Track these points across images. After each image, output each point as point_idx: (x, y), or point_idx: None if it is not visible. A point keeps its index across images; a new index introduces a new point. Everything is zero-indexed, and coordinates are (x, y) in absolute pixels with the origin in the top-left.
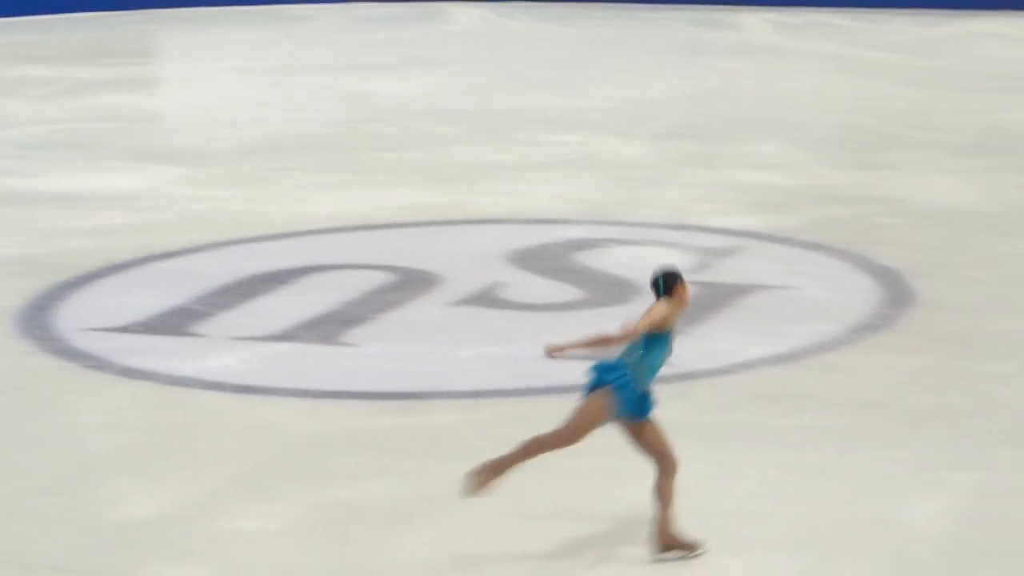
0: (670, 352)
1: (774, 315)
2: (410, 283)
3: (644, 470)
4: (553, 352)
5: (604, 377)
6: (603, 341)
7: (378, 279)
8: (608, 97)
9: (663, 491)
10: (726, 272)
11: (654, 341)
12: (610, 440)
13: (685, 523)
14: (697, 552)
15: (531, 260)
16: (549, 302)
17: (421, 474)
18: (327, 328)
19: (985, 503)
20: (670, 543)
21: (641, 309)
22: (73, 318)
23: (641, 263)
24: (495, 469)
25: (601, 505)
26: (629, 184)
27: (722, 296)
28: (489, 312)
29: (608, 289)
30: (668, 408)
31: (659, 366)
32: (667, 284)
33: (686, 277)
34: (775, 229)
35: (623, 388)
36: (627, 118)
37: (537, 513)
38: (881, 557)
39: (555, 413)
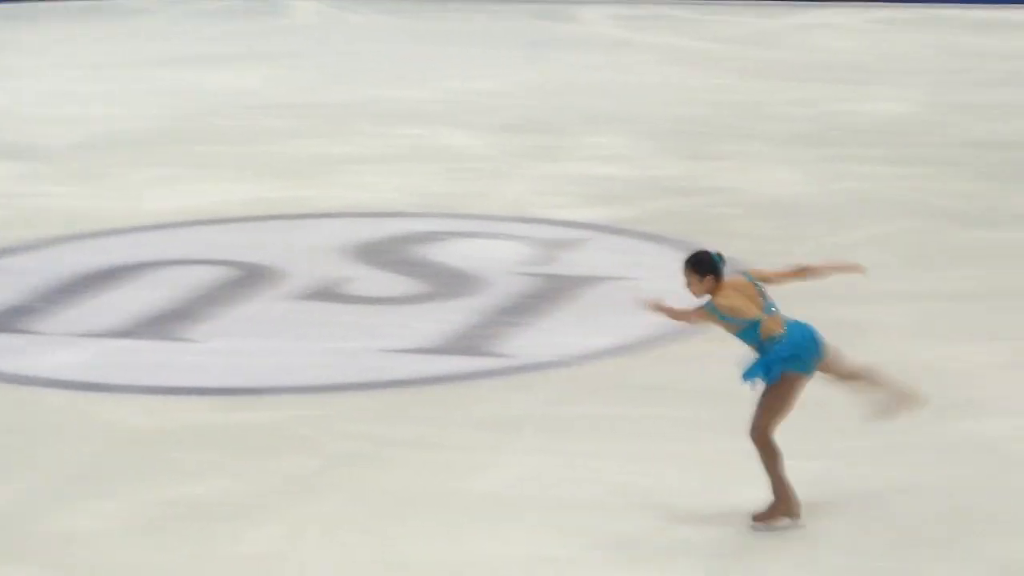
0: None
1: (615, 306)
2: (251, 278)
3: (487, 462)
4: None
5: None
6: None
7: (219, 274)
8: (449, 90)
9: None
10: (568, 264)
11: (747, 330)
12: (453, 433)
13: (526, 515)
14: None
15: (373, 254)
16: (391, 295)
17: (263, 469)
18: (168, 324)
19: (828, 492)
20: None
21: (483, 303)
22: None
23: (483, 255)
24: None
25: (447, 497)
26: (471, 177)
27: (564, 288)
28: (331, 306)
29: (450, 282)
30: (510, 401)
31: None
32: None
33: (528, 270)
34: (615, 221)
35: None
36: (468, 111)
37: (381, 505)
38: (715, 543)
39: (397, 406)
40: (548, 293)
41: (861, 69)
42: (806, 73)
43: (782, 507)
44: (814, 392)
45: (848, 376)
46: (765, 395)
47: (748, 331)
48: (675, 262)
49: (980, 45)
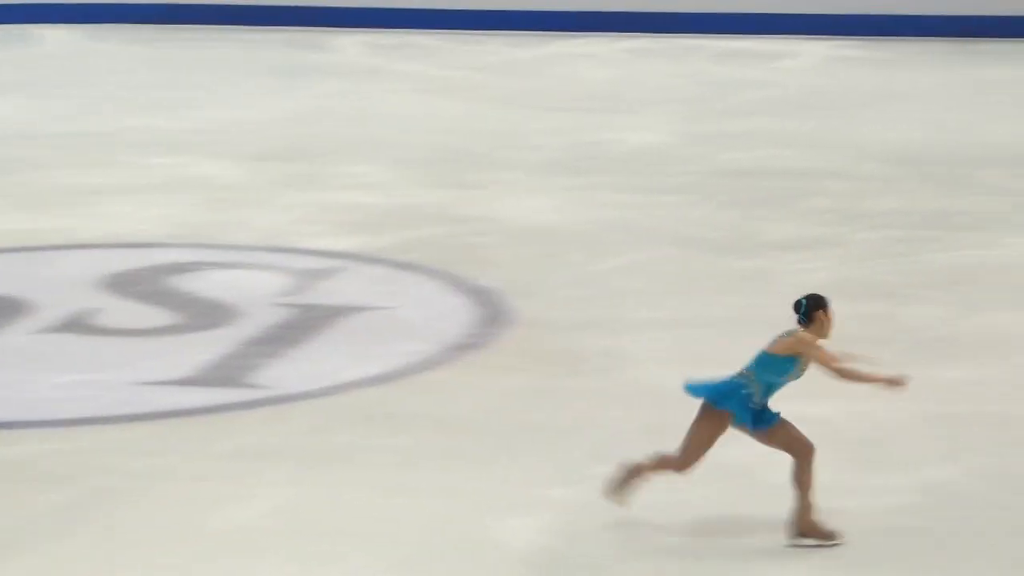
0: (797, 374)
1: (372, 336)
2: (1, 310)
3: (243, 494)
4: None
5: (721, 402)
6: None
7: None
8: (203, 119)
9: (800, 480)
10: (324, 294)
11: (779, 363)
12: (208, 465)
13: (281, 546)
14: (835, 542)
15: (125, 285)
16: (145, 327)
17: (17, 504)
18: None
19: (583, 518)
20: (808, 530)
21: (239, 333)
22: None
23: (239, 286)
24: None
25: (200, 529)
26: (226, 206)
27: (320, 318)
28: (80, 339)
29: (204, 313)
30: (267, 432)
31: (781, 385)
32: (809, 310)
33: (285, 300)
34: (371, 250)
35: (741, 410)
36: (223, 140)
37: (134, 539)
38: (477, 575)
39: (151, 439)
40: (305, 323)
41: (613, 98)
42: (559, 102)
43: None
44: (560, 420)
45: (783, 449)
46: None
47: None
48: (433, 292)
49: (727, 75)
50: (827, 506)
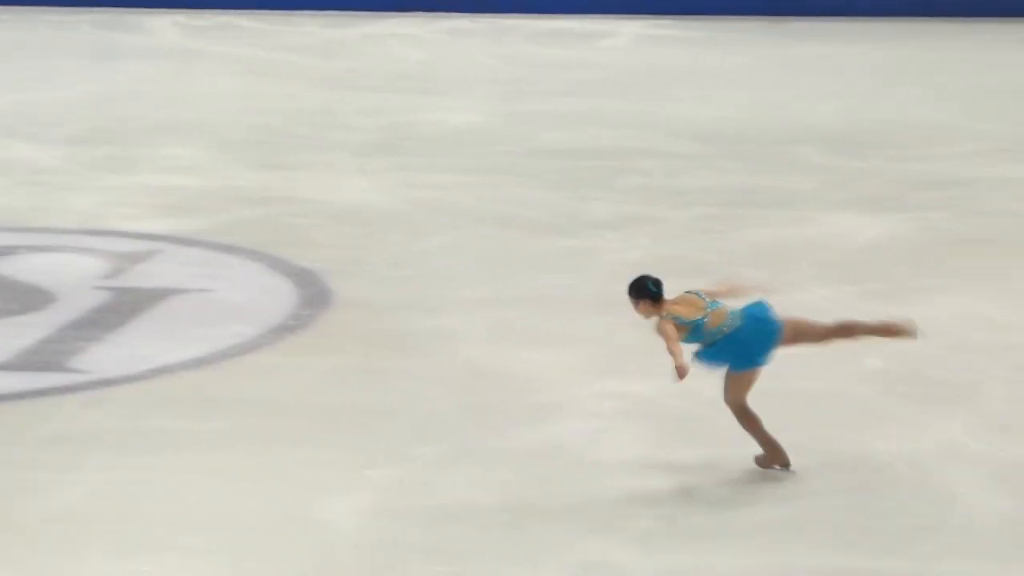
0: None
1: (191, 319)
2: None
3: (58, 480)
4: None
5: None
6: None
7: None
8: (15, 102)
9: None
10: (141, 277)
11: (692, 330)
12: (23, 451)
13: (99, 533)
14: (784, 467)
15: None
16: None
17: None
18: None
19: (405, 498)
20: (770, 460)
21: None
22: None
23: (54, 269)
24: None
25: (14, 518)
26: (41, 189)
27: (138, 301)
28: None
29: (20, 297)
30: (86, 416)
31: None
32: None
33: (101, 283)
34: (190, 232)
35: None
36: (34, 123)
37: None
38: (301, 556)
39: None
40: (123, 306)
41: (431, 79)
42: (376, 83)
43: (777, 458)
44: (382, 400)
45: (822, 339)
46: (727, 377)
47: (694, 332)
48: (253, 273)
49: (544, 55)
50: (648, 484)
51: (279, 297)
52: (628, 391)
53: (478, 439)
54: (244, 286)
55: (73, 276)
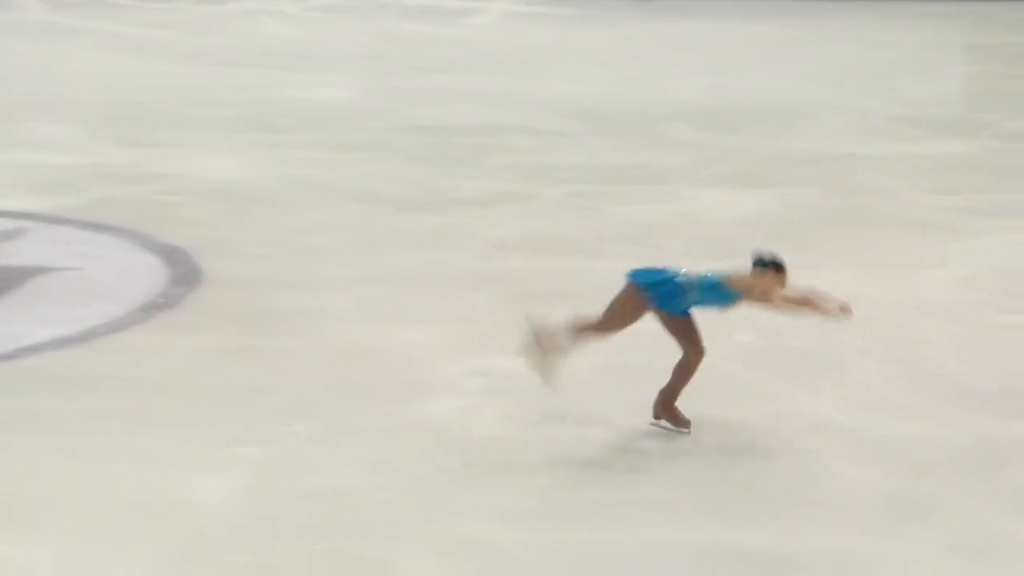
0: (729, 308)
1: (61, 297)
2: None
3: None
4: None
5: (652, 289)
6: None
7: None
8: None
9: (683, 369)
10: (9, 255)
11: (726, 293)
12: None
13: None
14: (686, 431)
15: None
16: None
17: None
18: None
19: (277, 477)
20: (668, 414)
21: None
22: None
23: None
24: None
25: None
26: None
27: (6, 280)
28: None
29: None
30: None
31: (707, 305)
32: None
33: None
34: (58, 210)
35: (668, 295)
36: None
37: None
38: (173, 535)
39: None
40: None
41: (301, 56)
42: (247, 60)
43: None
44: (254, 379)
45: (678, 337)
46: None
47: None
48: (122, 251)
49: (415, 32)
50: (519, 460)
51: (149, 275)
52: (499, 368)
53: (350, 417)
54: (113, 264)
55: None
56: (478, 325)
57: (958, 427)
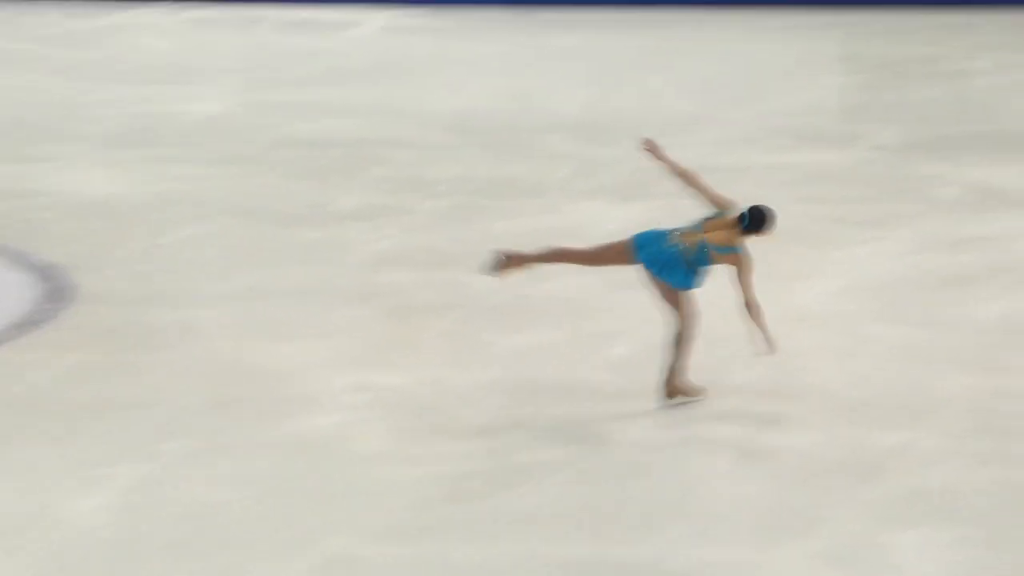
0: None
1: None
2: None
3: None
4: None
5: (645, 248)
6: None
7: None
8: None
9: (681, 343)
10: None
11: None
12: None
13: None
14: (701, 397)
15: None
16: None
17: None
18: None
19: (151, 494)
20: (677, 391)
21: None
22: None
23: None
24: (516, 260)
25: None
26: None
27: None
28: None
29: None
30: None
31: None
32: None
33: None
34: None
35: (665, 264)
36: None
37: None
38: (43, 554)
39: None
40: None
41: (176, 69)
42: (120, 74)
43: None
44: (129, 396)
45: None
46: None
47: None
48: None
49: (291, 45)
50: (397, 476)
51: (22, 292)
52: (380, 383)
53: (228, 434)
54: None
55: None
56: (357, 340)
57: (835, 437)
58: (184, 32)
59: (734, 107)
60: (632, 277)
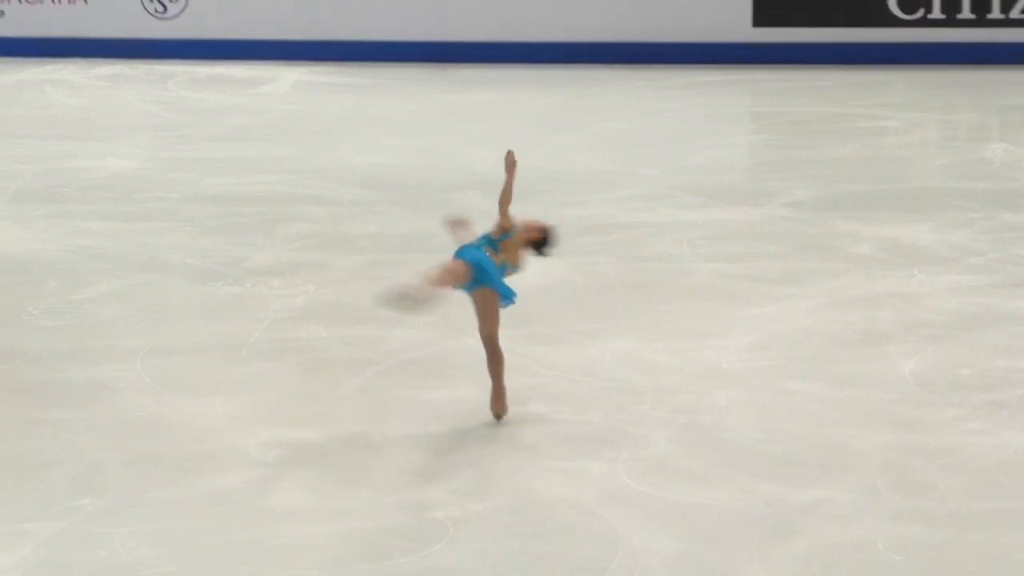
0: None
1: None
2: None
3: None
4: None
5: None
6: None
7: None
8: None
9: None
10: None
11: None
12: None
13: None
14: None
15: None
16: None
17: None
18: None
19: (65, 551)
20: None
21: None
22: None
23: None
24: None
25: None
26: None
27: None
28: None
29: None
30: None
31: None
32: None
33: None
34: None
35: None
36: None
37: None
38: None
39: None
40: None
41: (87, 125)
42: (32, 129)
43: (497, 406)
44: (40, 452)
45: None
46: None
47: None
48: None
49: (205, 101)
50: (312, 532)
51: None
52: (294, 438)
53: (140, 490)
54: None
55: None
56: (271, 396)
57: (749, 493)
58: (95, 88)
59: (646, 164)
60: (549, 333)
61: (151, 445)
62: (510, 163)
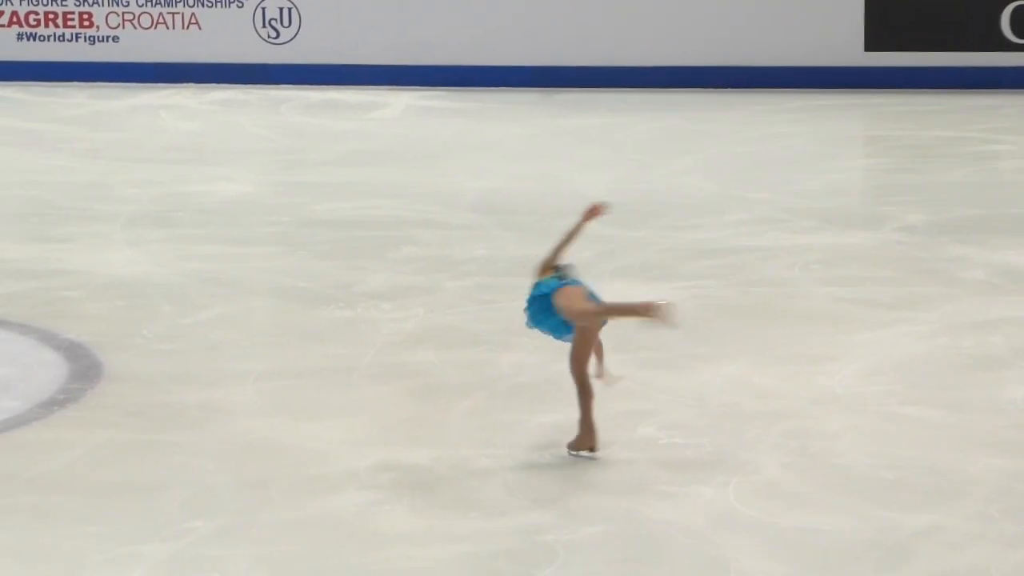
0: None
1: None
2: None
3: None
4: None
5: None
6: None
7: None
8: None
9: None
10: None
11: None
12: None
13: None
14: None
15: None
16: None
17: None
18: None
19: (175, 574)
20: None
21: None
22: None
23: None
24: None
25: None
26: None
27: None
28: None
29: None
30: None
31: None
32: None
33: None
34: None
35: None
36: None
37: None
38: None
39: None
40: None
41: (202, 150)
42: (147, 154)
43: (587, 440)
44: (155, 475)
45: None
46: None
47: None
48: (22, 348)
49: (318, 126)
50: (426, 555)
51: (48, 371)
52: (405, 462)
53: (252, 512)
54: (13, 360)
55: None
56: (383, 420)
57: (860, 519)
58: (209, 113)
59: (759, 188)
60: (660, 357)
61: (263, 468)
62: (595, 213)
